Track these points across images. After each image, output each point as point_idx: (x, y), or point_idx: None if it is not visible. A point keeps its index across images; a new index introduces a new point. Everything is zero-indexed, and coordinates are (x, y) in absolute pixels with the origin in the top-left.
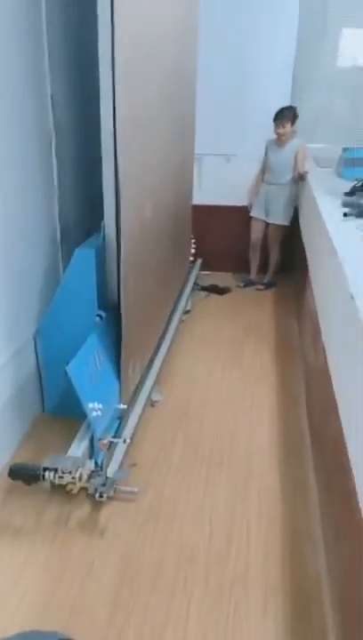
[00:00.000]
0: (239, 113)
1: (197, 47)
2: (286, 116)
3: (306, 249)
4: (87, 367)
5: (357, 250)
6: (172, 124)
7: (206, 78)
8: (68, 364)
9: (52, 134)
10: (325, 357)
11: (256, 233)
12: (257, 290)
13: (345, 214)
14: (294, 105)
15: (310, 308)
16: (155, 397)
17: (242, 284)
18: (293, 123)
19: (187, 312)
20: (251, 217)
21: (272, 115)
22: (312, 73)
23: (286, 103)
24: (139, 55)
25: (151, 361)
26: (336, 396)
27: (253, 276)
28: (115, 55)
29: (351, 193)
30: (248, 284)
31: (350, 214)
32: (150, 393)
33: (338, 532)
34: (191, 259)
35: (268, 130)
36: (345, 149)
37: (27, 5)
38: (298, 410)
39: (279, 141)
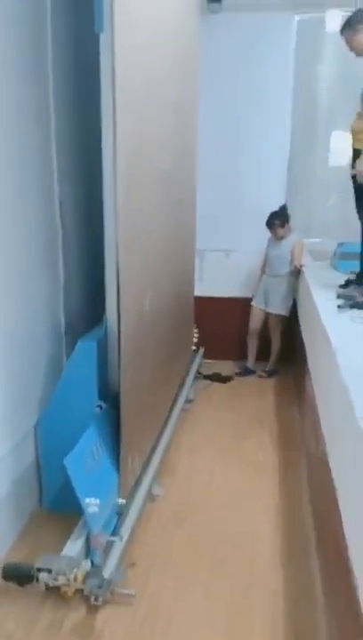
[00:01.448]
0: (237, 211)
1: (195, 149)
2: (275, 223)
3: (304, 339)
4: (85, 460)
5: (351, 340)
6: (173, 223)
7: (206, 179)
8: (66, 456)
9: (59, 231)
10: (325, 449)
11: (255, 321)
12: (259, 376)
13: (339, 306)
14: (288, 203)
15: (309, 397)
16: (155, 491)
17: (239, 371)
18: (283, 225)
19: (189, 401)
20: (251, 306)
21: (268, 211)
22: (306, 172)
23: (281, 201)
24: (138, 163)
25: (152, 452)
26: (336, 491)
27: (250, 363)
28: (116, 166)
29: (346, 285)
30: (245, 372)
31: (344, 306)
32: (150, 487)
33: (342, 631)
34: (194, 347)
35: (265, 225)
36: (340, 244)
37: (36, 97)
38: (301, 504)
39: (276, 237)
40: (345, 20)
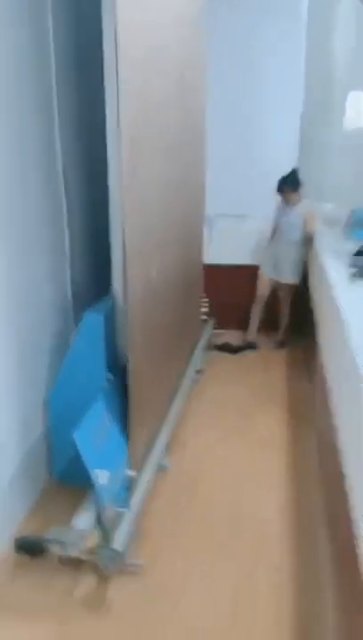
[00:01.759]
0: (248, 175)
1: (204, 112)
2: (286, 189)
3: (315, 308)
4: (94, 433)
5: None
6: (181, 189)
7: (216, 142)
8: (75, 430)
9: (63, 201)
10: (335, 424)
11: (262, 290)
12: (272, 348)
13: (353, 275)
14: (300, 166)
15: (320, 371)
16: (164, 463)
17: (240, 345)
18: (295, 189)
19: (199, 372)
20: (259, 274)
21: (280, 175)
22: (320, 134)
23: (294, 163)
24: (142, 127)
25: (161, 424)
26: (345, 467)
27: (251, 336)
28: (120, 132)
29: (358, 253)
30: (247, 346)
31: (357, 275)
32: (160, 459)
33: (350, 616)
34: (204, 317)
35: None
36: (354, 211)
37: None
38: (310, 483)
39: (287, 202)
40: None
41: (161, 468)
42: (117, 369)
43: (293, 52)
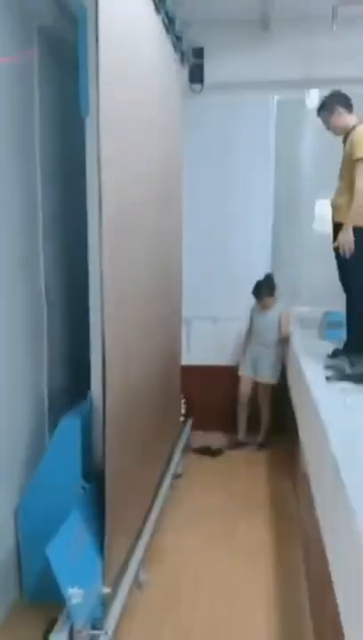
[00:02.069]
0: (224, 279)
1: (181, 221)
2: (262, 292)
3: (295, 408)
4: (68, 547)
5: (340, 416)
6: (157, 285)
7: (192, 248)
8: (47, 543)
9: (44, 306)
10: (320, 530)
11: (244, 391)
12: (252, 450)
13: (327, 378)
14: (274, 271)
15: (302, 472)
16: (142, 578)
17: (229, 445)
18: (271, 293)
19: (178, 476)
20: (239, 376)
21: (254, 279)
22: (290, 240)
23: (267, 268)
24: (123, 234)
25: (139, 535)
26: (331, 576)
27: (241, 435)
28: (102, 239)
29: (333, 355)
30: (237, 445)
31: (333, 378)
32: (137, 573)
33: None
34: (182, 418)
35: (250, 293)
36: (326, 313)
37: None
38: (297, 590)
39: (263, 307)
40: (321, 101)
41: (138, 584)
42: (92, 476)
43: (263, 167)
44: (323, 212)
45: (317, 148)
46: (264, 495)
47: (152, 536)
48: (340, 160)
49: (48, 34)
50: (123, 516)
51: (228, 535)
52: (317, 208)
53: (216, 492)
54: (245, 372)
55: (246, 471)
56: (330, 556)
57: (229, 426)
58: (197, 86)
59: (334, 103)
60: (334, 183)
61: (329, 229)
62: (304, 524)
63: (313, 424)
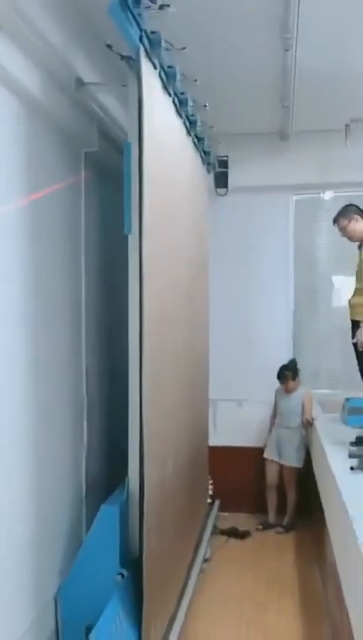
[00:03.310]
0: (248, 364)
1: (207, 306)
2: (286, 375)
3: (320, 495)
4: (109, 634)
5: None
6: (188, 374)
7: (217, 335)
8: (89, 630)
9: (84, 398)
10: (349, 619)
11: (271, 474)
12: (277, 533)
13: (352, 468)
14: (296, 355)
15: (330, 559)
16: None
17: (260, 527)
18: (294, 377)
19: (206, 560)
20: (265, 458)
21: (277, 363)
22: (310, 325)
23: (289, 353)
24: (159, 337)
25: (171, 621)
26: None
27: (271, 518)
28: (143, 343)
29: (357, 442)
30: (267, 526)
31: (357, 468)
32: None
33: None
34: (209, 500)
35: (274, 376)
36: (348, 399)
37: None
38: None
39: (287, 390)
40: (337, 212)
41: None
42: (129, 563)
43: (282, 261)
44: (340, 301)
45: (333, 237)
46: (292, 581)
47: (185, 620)
48: (352, 248)
49: (93, 158)
50: (158, 603)
51: (257, 623)
52: (334, 282)
53: (245, 577)
54: (270, 456)
55: (274, 555)
56: None
57: (255, 507)
58: (223, 190)
59: (350, 212)
60: (346, 267)
61: (347, 324)
62: (333, 613)
63: (339, 516)
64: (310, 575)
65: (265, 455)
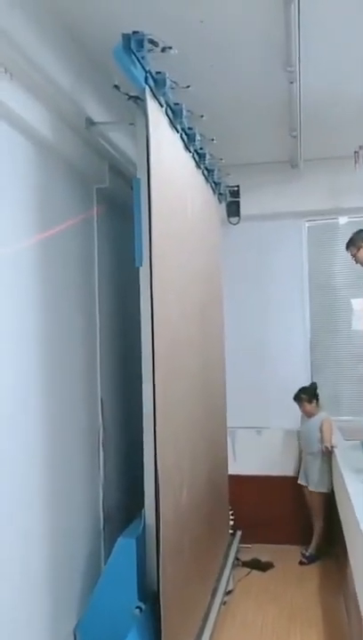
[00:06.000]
0: (266, 390)
1: (222, 333)
2: (302, 397)
3: (342, 522)
4: None
5: None
6: (204, 403)
7: (234, 361)
8: None
9: (100, 430)
10: None
11: (307, 499)
12: (301, 563)
13: None
14: (315, 381)
15: (351, 588)
16: None
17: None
18: (310, 400)
19: (228, 592)
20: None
21: (295, 389)
22: (328, 351)
23: (308, 379)
24: (172, 362)
25: None
26: None
27: (312, 549)
28: (155, 369)
29: None
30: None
31: None
32: None
33: None
34: (230, 531)
35: (293, 403)
36: None
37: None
38: None
39: (305, 413)
40: (349, 238)
41: None
42: (147, 596)
43: (298, 279)
44: (359, 308)
45: (350, 261)
46: (316, 613)
47: None
48: None
49: (104, 193)
50: (178, 636)
51: None
52: (354, 306)
53: (268, 609)
54: (300, 481)
55: (297, 587)
56: None
57: (277, 538)
58: (235, 219)
59: (359, 240)
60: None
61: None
62: None
63: (359, 545)
64: (335, 605)
65: (299, 481)
